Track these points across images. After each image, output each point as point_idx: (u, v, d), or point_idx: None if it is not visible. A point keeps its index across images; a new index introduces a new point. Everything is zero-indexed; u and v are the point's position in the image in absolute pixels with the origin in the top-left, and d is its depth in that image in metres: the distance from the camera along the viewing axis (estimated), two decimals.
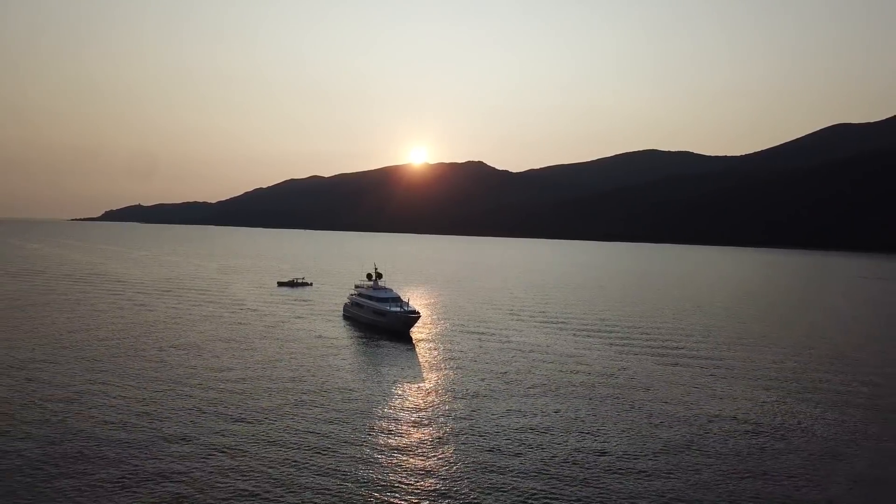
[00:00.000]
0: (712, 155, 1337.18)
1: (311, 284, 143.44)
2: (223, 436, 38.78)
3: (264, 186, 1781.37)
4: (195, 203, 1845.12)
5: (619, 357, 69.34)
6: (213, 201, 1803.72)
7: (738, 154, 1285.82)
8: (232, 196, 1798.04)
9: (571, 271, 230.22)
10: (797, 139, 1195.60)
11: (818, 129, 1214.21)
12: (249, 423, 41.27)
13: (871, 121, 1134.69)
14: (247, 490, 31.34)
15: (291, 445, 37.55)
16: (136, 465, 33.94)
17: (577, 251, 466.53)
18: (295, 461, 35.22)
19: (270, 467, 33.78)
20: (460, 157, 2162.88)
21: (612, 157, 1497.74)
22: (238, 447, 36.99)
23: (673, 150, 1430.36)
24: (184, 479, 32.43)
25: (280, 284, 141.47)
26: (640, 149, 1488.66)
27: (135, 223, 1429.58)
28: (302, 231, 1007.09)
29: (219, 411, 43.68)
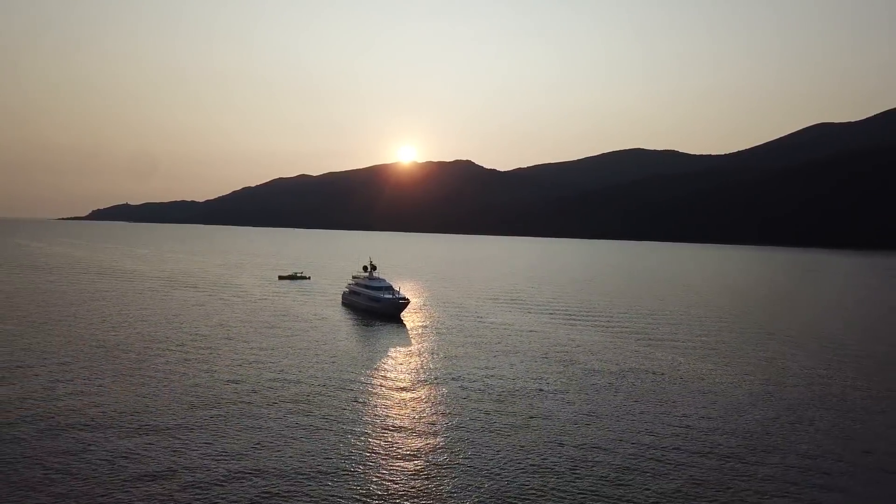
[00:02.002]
0: (697, 154, 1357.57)
1: (309, 278, 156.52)
2: (248, 397, 52.37)
3: (252, 185, 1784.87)
4: (183, 202, 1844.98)
5: (573, 331, 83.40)
6: (202, 200, 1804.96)
7: (723, 153, 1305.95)
8: (220, 195, 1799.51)
9: (551, 267, 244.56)
10: (780, 138, 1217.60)
11: (800, 128, 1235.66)
12: (271, 388, 54.30)
13: (852, 120, 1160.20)
14: (264, 440, 44.92)
15: (305, 403, 51.06)
16: (173, 417, 47.42)
17: (563, 249, 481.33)
18: (307, 413, 48.81)
19: (285, 424, 46.31)
20: (449, 156, 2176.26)
21: (598, 155, 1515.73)
22: (260, 404, 50.49)
23: (658, 148, 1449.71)
24: (218, 429, 45.92)
25: (281, 278, 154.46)
26: (626, 148, 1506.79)
27: (123, 222, 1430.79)
28: (291, 230, 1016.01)
29: (245, 379, 56.96)
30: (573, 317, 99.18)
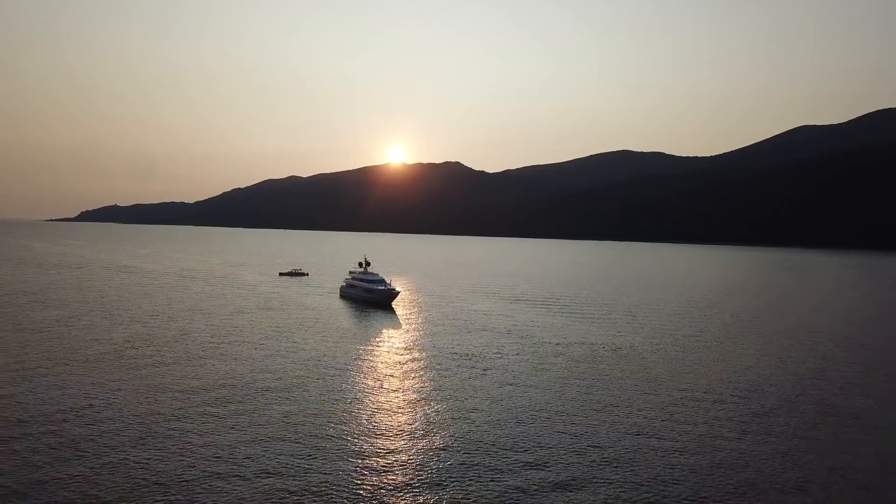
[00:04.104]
0: (683, 155, 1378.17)
1: (307, 275, 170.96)
2: (271, 365, 67.13)
3: (242, 186, 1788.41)
4: (173, 203, 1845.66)
5: (534, 315, 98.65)
6: (191, 201, 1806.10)
7: (708, 155, 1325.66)
8: (210, 196, 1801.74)
9: (532, 265, 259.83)
10: (765, 140, 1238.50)
11: (784, 130, 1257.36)
12: (287, 361, 69.31)
13: (835, 122, 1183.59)
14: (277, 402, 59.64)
15: (317, 371, 65.90)
16: (185, 391, 62.03)
17: (549, 249, 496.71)
18: (318, 378, 63.62)
19: (299, 388, 61.56)
20: (438, 158, 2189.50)
21: (586, 157, 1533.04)
22: (279, 373, 65.28)
23: (645, 150, 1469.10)
24: (232, 400, 60.61)
25: (281, 274, 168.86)
26: (614, 149, 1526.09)
27: (113, 223, 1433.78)
28: (282, 231, 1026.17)
29: (267, 353, 71.83)
30: (536, 304, 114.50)
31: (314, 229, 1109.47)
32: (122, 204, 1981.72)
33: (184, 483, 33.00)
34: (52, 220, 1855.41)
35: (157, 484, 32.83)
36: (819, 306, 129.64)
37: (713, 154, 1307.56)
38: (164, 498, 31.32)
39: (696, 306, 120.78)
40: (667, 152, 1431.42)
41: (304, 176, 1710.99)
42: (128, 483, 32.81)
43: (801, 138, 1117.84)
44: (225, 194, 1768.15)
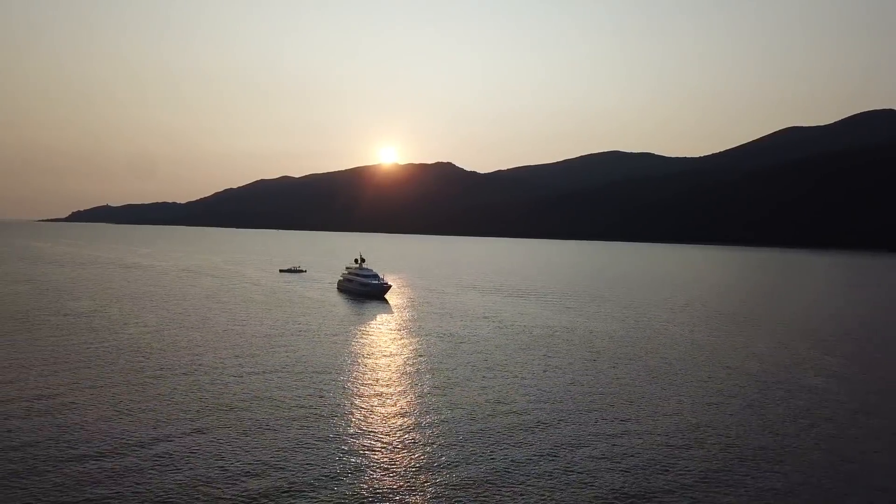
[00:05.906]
0: (672, 156, 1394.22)
1: (305, 271, 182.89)
2: (282, 347, 79.18)
3: (234, 187, 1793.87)
4: (165, 203, 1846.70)
5: (509, 304, 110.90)
6: (184, 202, 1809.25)
7: (698, 155, 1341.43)
8: (202, 196, 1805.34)
9: (518, 262, 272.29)
10: (753, 141, 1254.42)
11: (772, 131, 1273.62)
12: (294, 344, 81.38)
13: (822, 124, 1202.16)
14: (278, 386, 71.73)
15: (320, 353, 77.98)
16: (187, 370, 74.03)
17: (540, 249, 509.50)
18: (320, 359, 75.73)
19: (305, 369, 73.63)
20: (430, 158, 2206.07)
21: (576, 158, 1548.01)
22: (286, 351, 77.33)
23: (635, 151, 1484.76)
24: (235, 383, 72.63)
25: (282, 271, 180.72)
26: (604, 150, 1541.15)
27: (106, 224, 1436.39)
28: (275, 231, 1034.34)
29: (275, 337, 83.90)
30: (515, 296, 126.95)
31: (307, 229, 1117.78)
32: (114, 204, 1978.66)
33: (227, 437, 45.03)
34: (42, 220, 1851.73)
35: (198, 431, 44.84)
36: (804, 302, 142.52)
37: (703, 155, 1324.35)
38: (209, 443, 43.40)
39: (674, 300, 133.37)
40: (656, 153, 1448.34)
41: (297, 176, 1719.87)
42: (179, 434, 44.84)
43: (792, 139, 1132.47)
44: (217, 194, 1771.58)
